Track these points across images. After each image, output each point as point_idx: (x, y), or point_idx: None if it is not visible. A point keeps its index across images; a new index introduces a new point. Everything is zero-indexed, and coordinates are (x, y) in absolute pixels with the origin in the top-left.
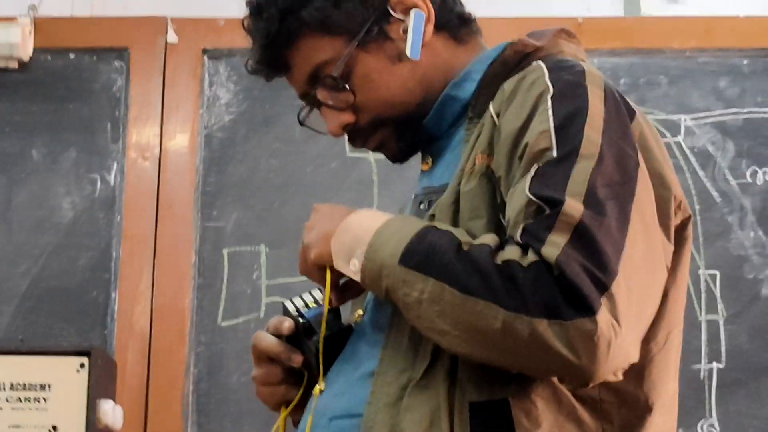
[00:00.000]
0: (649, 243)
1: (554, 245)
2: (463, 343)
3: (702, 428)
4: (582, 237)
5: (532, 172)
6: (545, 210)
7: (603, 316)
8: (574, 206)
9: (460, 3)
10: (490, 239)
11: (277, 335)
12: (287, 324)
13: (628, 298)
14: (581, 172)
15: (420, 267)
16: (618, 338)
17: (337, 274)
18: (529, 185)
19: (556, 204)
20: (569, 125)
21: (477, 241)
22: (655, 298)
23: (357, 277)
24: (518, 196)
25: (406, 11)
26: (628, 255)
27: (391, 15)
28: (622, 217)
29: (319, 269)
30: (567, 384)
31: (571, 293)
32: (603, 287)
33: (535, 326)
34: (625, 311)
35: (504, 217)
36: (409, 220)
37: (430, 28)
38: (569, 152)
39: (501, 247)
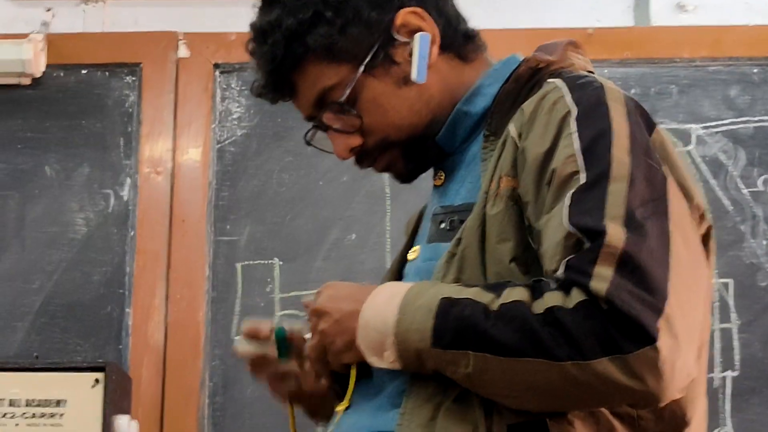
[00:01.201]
0: (690, 253)
1: (602, 278)
2: (524, 402)
3: None
4: (628, 264)
5: (567, 201)
6: (586, 242)
7: (663, 340)
8: (615, 234)
9: (464, 20)
10: (520, 294)
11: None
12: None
13: (682, 315)
14: (616, 196)
15: (455, 344)
16: (680, 358)
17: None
18: (566, 216)
19: (598, 234)
20: (595, 147)
21: (506, 299)
22: (704, 308)
23: (396, 367)
24: (554, 227)
25: (411, 34)
26: (674, 271)
27: (396, 39)
28: (663, 235)
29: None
30: (636, 408)
31: (626, 325)
32: (658, 311)
33: (594, 368)
34: (682, 330)
35: (533, 240)
36: (421, 294)
37: (436, 49)
38: (599, 176)
39: (537, 293)
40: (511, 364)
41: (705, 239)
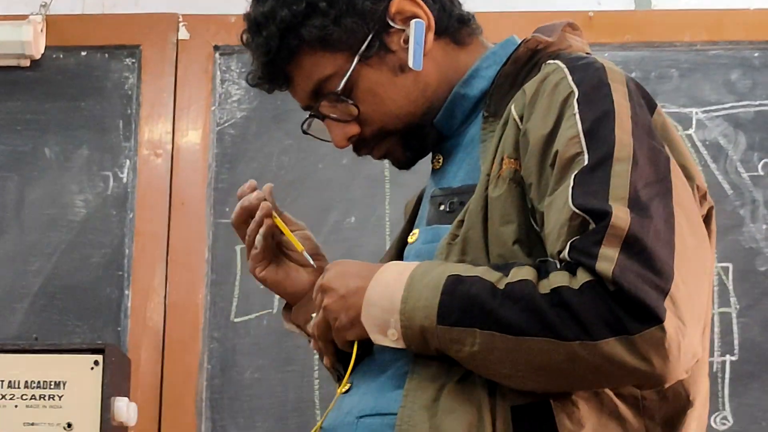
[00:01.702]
0: (695, 233)
1: (608, 259)
2: (529, 382)
3: (715, 421)
4: (634, 245)
5: (571, 182)
6: (591, 223)
7: (669, 321)
8: (620, 215)
9: (458, 4)
10: (527, 273)
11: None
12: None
13: (688, 295)
14: (620, 177)
15: (461, 322)
16: (686, 338)
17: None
18: (570, 197)
19: (603, 215)
20: (598, 129)
21: (513, 278)
22: (708, 288)
23: (400, 345)
24: (559, 209)
25: (406, 21)
26: (679, 252)
27: (391, 26)
28: (668, 215)
29: (347, 341)
30: (642, 389)
31: (633, 305)
32: (664, 292)
33: (601, 348)
34: (687, 310)
35: (535, 222)
36: (428, 272)
37: (431, 35)
38: (603, 157)
39: (543, 273)
40: (518, 343)
41: (706, 220)
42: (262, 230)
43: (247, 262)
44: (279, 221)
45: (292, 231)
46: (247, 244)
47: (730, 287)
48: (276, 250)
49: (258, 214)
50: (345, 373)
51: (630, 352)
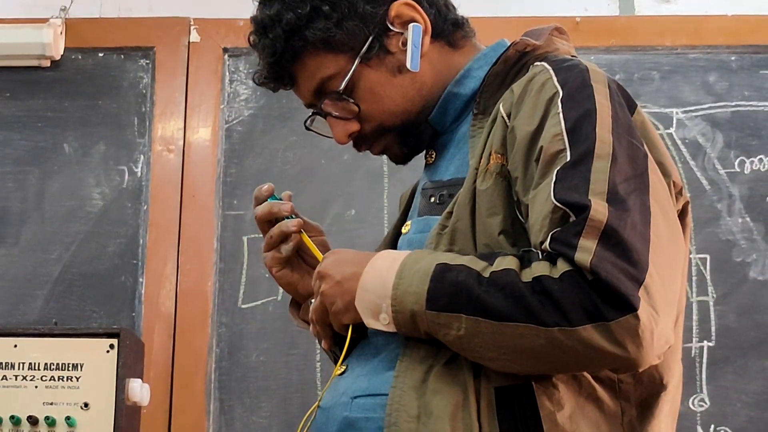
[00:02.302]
0: (669, 227)
1: (586, 250)
2: (512, 365)
3: (693, 403)
4: (611, 237)
5: (554, 177)
6: (571, 216)
7: (643, 309)
8: (599, 208)
9: (453, 8)
10: (510, 262)
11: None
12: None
13: (662, 285)
14: (600, 172)
15: (449, 307)
16: (658, 326)
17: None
18: (552, 191)
19: (583, 209)
20: (580, 127)
21: (498, 267)
22: (681, 279)
23: (391, 329)
24: (542, 202)
25: (405, 25)
26: (654, 245)
27: (390, 29)
28: (644, 209)
29: (343, 325)
30: (617, 373)
31: (609, 294)
32: (639, 282)
33: (579, 334)
34: (660, 299)
35: (520, 214)
36: (419, 260)
37: (428, 38)
38: (584, 153)
39: (526, 262)
40: (502, 328)
41: (682, 214)
42: (291, 242)
43: (262, 254)
44: (306, 237)
45: (311, 236)
46: (267, 243)
47: (708, 277)
48: (294, 253)
49: (287, 227)
50: (341, 355)
51: (606, 338)
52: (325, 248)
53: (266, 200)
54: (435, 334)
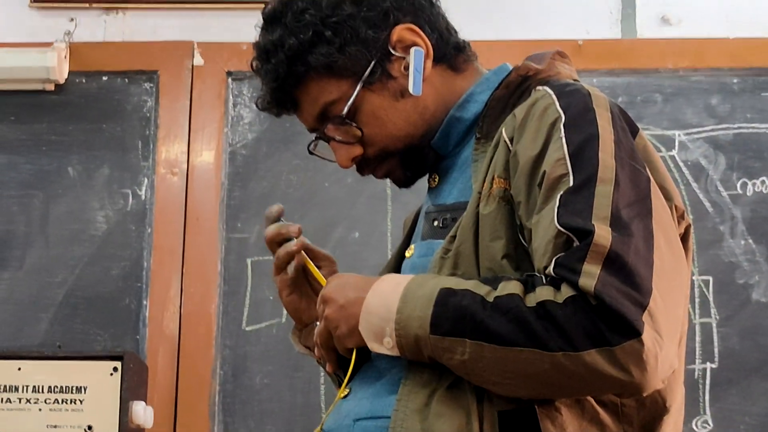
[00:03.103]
0: (672, 251)
1: (590, 275)
2: (516, 389)
3: (696, 425)
4: (615, 262)
5: (557, 201)
6: (575, 241)
7: (647, 334)
8: (602, 233)
9: (455, 32)
10: (515, 287)
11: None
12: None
13: (665, 310)
14: (603, 197)
15: (453, 332)
16: (663, 350)
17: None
18: (556, 216)
19: (586, 234)
20: (583, 151)
21: (502, 291)
22: (684, 302)
23: (395, 353)
24: (545, 227)
25: (406, 49)
26: (658, 269)
27: (393, 54)
28: (647, 234)
29: (347, 349)
30: (621, 398)
31: (613, 319)
32: (643, 307)
33: (583, 359)
34: (664, 324)
35: (523, 238)
36: (423, 284)
37: (429, 62)
38: (587, 178)
39: (530, 287)
40: (506, 353)
41: (684, 238)
42: (294, 262)
43: (273, 278)
44: (308, 261)
45: (321, 266)
46: (276, 266)
47: (711, 299)
48: (303, 279)
49: (292, 247)
50: (345, 379)
51: (610, 362)
52: None
53: (276, 221)
54: (439, 358)
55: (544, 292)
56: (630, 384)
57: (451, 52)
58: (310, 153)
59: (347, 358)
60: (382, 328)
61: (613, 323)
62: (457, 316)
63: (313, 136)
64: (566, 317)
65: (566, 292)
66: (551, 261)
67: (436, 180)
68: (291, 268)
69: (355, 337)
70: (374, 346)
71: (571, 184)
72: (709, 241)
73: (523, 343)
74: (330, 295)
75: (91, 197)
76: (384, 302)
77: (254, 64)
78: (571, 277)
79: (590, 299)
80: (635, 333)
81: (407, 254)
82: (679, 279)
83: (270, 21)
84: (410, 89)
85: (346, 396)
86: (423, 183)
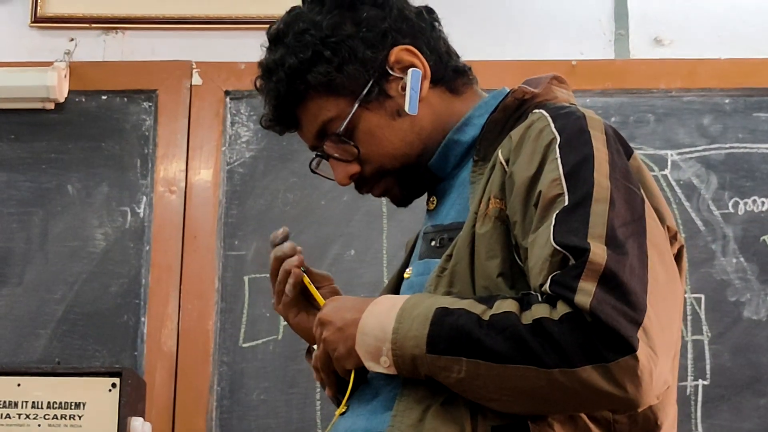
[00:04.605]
0: (666, 270)
1: (586, 293)
2: (513, 405)
3: None
4: (610, 280)
5: (553, 220)
6: (570, 259)
7: (642, 350)
8: (598, 251)
9: (456, 56)
10: (510, 305)
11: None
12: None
13: (660, 327)
14: (598, 216)
15: (449, 350)
16: (657, 367)
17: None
18: (552, 235)
19: (582, 252)
20: (578, 172)
21: (497, 310)
22: (678, 320)
23: (392, 372)
24: (541, 245)
25: (404, 70)
26: (652, 287)
27: (390, 74)
28: (642, 253)
29: (347, 370)
30: (616, 414)
31: (609, 336)
32: (637, 324)
33: (579, 375)
34: (658, 340)
35: (518, 257)
36: (418, 304)
37: (427, 83)
38: (583, 197)
39: (525, 305)
40: (502, 371)
41: (677, 258)
42: (290, 281)
43: (273, 304)
44: (306, 279)
45: (321, 286)
46: (277, 291)
47: (703, 316)
48: (305, 299)
49: (288, 264)
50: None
51: (606, 378)
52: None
53: (281, 244)
54: (436, 376)
55: (540, 310)
56: (625, 400)
57: (450, 74)
58: (313, 172)
59: (347, 381)
60: (379, 348)
61: (608, 340)
62: (454, 335)
63: (313, 154)
64: (562, 334)
65: (562, 309)
66: (547, 279)
67: (435, 202)
68: (289, 287)
69: (353, 358)
70: (371, 366)
71: (567, 203)
72: (701, 260)
73: (519, 360)
74: (327, 318)
75: (90, 215)
76: (379, 323)
77: (257, 83)
78: (567, 294)
79: (586, 316)
80: (630, 349)
81: (406, 275)
82: (673, 297)
83: (273, 41)
84: (406, 108)
85: (343, 413)
86: (420, 202)
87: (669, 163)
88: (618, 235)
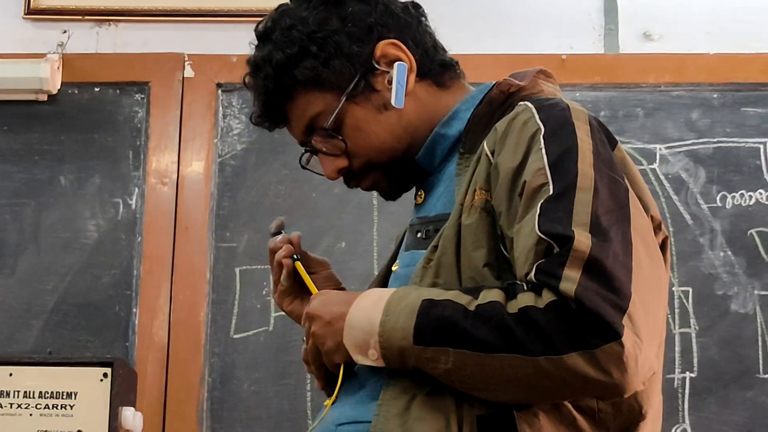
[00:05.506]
0: (651, 257)
1: (570, 280)
2: (501, 394)
3: None
4: (595, 267)
5: (537, 210)
6: (555, 247)
7: (627, 336)
8: (582, 239)
9: (442, 50)
10: (496, 295)
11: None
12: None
13: (644, 313)
14: (583, 204)
15: (435, 341)
16: (642, 352)
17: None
18: (537, 224)
19: (566, 240)
20: (562, 162)
21: (483, 300)
22: (663, 308)
23: (380, 364)
24: (526, 234)
25: (390, 64)
26: (636, 274)
27: (376, 68)
28: (625, 241)
29: (335, 364)
30: (603, 400)
31: (594, 322)
32: (622, 310)
33: (565, 362)
34: (643, 327)
35: (504, 247)
36: (405, 297)
37: (413, 77)
38: (566, 187)
39: (511, 294)
40: (489, 360)
41: (662, 249)
42: (284, 272)
43: (273, 296)
44: (299, 266)
45: (315, 272)
46: (274, 281)
47: (690, 310)
48: (300, 287)
49: (278, 255)
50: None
51: (591, 365)
52: (333, 281)
53: (277, 234)
54: (423, 367)
55: (525, 299)
56: (611, 386)
57: (436, 68)
58: (303, 167)
59: (336, 375)
60: (366, 341)
61: (593, 327)
62: (440, 326)
63: (302, 149)
64: (547, 322)
65: (547, 297)
66: (532, 267)
67: (422, 196)
68: (284, 277)
69: (341, 352)
70: (359, 358)
71: (551, 192)
72: (688, 253)
73: (505, 349)
74: (315, 312)
75: (82, 206)
76: (366, 315)
77: (246, 80)
78: (552, 282)
79: (571, 303)
80: (615, 336)
81: (393, 268)
82: (657, 284)
83: (261, 38)
84: (392, 102)
85: (333, 403)
86: (409, 195)
87: (657, 157)
88: (602, 223)
